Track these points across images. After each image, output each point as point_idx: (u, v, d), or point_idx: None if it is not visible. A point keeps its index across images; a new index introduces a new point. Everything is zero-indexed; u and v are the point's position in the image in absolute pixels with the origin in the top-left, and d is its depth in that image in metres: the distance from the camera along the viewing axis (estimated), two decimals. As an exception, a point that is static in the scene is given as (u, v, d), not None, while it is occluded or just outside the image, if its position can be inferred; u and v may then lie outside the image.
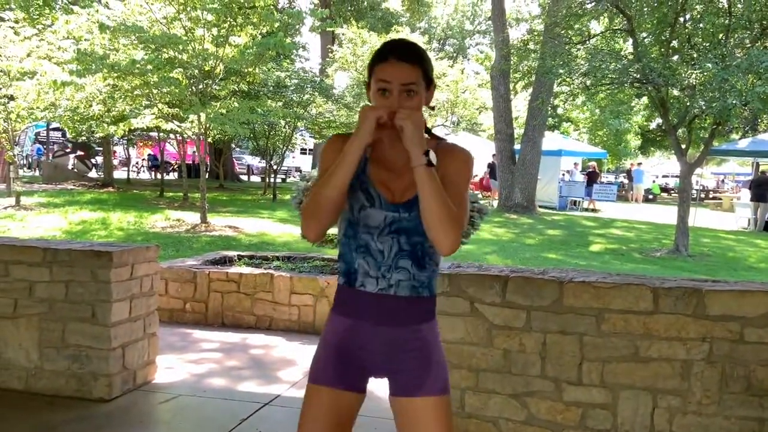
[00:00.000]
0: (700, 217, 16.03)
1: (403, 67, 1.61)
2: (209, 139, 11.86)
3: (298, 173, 29.21)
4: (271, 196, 17.59)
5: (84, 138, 18.72)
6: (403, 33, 19.08)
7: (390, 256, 1.66)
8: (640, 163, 27.96)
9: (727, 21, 10.46)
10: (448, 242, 1.58)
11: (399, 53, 1.62)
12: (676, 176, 21.33)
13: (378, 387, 1.86)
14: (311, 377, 1.75)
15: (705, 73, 9.61)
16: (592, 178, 21.32)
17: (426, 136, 1.66)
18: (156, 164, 24.39)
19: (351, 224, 1.69)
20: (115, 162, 24.64)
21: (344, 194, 1.63)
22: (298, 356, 4.56)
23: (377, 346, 1.70)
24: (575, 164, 22.86)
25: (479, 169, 26.25)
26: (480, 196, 17.24)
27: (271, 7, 10.77)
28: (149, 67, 9.79)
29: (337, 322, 1.74)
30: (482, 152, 26.32)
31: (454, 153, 1.70)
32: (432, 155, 1.58)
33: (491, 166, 20.14)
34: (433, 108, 1.75)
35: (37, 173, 24.00)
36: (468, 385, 2.98)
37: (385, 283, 1.66)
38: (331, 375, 1.71)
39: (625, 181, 28.61)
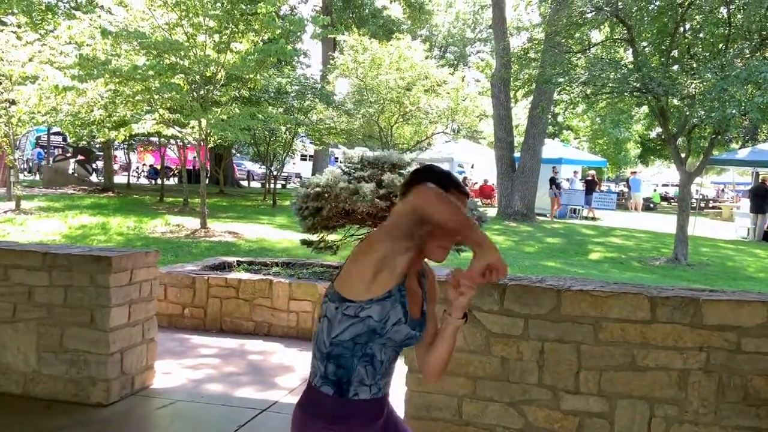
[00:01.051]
0: (699, 226, 16.03)
1: (463, 200, 1.75)
2: (210, 145, 11.87)
3: (299, 179, 29.24)
4: (271, 202, 17.59)
5: (85, 143, 18.75)
6: (404, 40, 19.10)
7: (386, 365, 1.72)
8: (634, 172, 27.98)
9: (726, 31, 10.50)
10: (439, 378, 1.80)
11: (458, 187, 1.75)
12: (676, 185, 21.34)
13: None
14: None
15: (704, 83, 9.64)
16: (590, 186, 21.32)
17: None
18: (155, 177, 24.48)
19: (372, 334, 1.63)
20: (116, 167, 24.67)
21: None
22: (296, 363, 4.56)
23: None
24: (575, 172, 22.88)
25: (478, 176, 26.35)
26: (479, 203, 17.26)
27: (273, 14, 10.79)
28: (151, 72, 9.82)
29: None
30: (482, 159, 26.45)
31: (433, 274, 1.88)
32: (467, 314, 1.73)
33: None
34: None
35: (37, 177, 24.01)
36: (465, 393, 2.98)
37: (377, 389, 1.71)
38: None
39: (625, 189, 28.64)
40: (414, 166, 5.81)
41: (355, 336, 1.62)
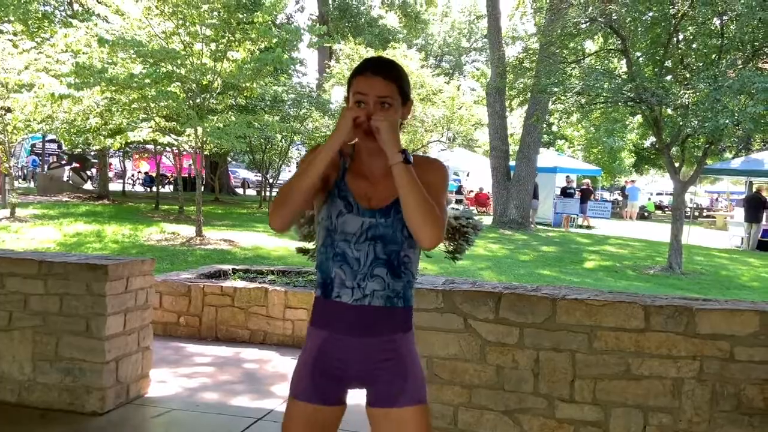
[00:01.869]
0: (693, 235, 16.10)
1: (379, 80, 1.67)
2: (205, 153, 11.89)
3: (294, 187, 29.16)
4: (267, 209, 17.58)
5: (80, 150, 18.75)
6: (400, 49, 19.19)
7: (366, 264, 1.68)
8: (633, 181, 28.14)
9: (719, 42, 10.60)
10: (429, 235, 1.63)
11: (376, 68, 1.69)
12: (671, 194, 21.47)
13: (361, 399, 1.87)
14: (291, 391, 1.80)
15: (698, 93, 9.73)
16: (585, 194, 21.41)
17: None
18: (150, 184, 24.50)
19: (329, 232, 1.71)
20: (111, 174, 24.64)
21: (315, 187, 1.68)
22: (292, 371, 4.55)
23: (352, 357, 1.72)
24: (570, 181, 22.95)
25: (474, 185, 26.42)
26: (475, 211, 17.29)
27: (270, 23, 10.85)
28: (147, 80, 9.84)
29: (314, 336, 1.77)
30: (477, 168, 26.50)
31: (430, 163, 1.78)
32: (408, 154, 1.65)
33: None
34: (403, 121, 1.80)
35: (32, 185, 23.96)
36: (461, 402, 2.99)
37: (360, 293, 1.69)
38: (310, 390, 1.75)
39: (620, 198, 28.77)
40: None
41: (324, 239, 1.73)
